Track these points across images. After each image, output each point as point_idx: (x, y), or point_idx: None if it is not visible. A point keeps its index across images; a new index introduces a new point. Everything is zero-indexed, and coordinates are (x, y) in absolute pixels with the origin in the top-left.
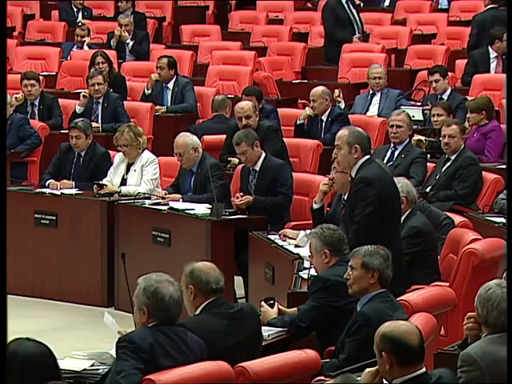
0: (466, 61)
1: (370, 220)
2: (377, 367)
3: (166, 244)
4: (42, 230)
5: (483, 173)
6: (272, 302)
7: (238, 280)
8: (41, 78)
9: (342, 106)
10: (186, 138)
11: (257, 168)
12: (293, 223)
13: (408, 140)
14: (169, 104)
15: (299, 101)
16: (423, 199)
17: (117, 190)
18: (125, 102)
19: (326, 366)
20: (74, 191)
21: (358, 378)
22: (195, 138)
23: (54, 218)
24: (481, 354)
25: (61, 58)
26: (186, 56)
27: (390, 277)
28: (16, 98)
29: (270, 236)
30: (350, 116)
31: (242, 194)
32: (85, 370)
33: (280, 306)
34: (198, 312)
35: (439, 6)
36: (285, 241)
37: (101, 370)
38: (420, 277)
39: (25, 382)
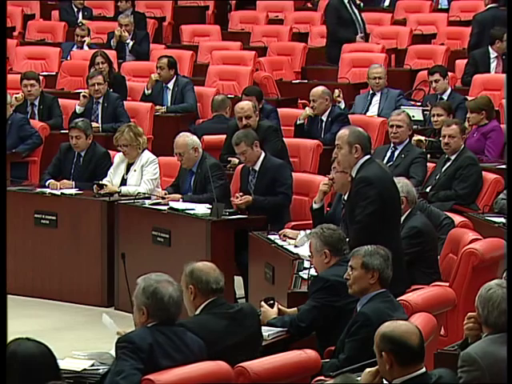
0: (466, 61)
1: (371, 220)
2: (377, 367)
3: (166, 244)
4: (41, 230)
5: (483, 173)
6: (272, 302)
7: (238, 280)
8: (41, 77)
9: (342, 105)
10: (185, 138)
11: (256, 168)
12: (293, 223)
13: (408, 140)
14: (169, 104)
15: (299, 101)
16: (423, 199)
17: (117, 190)
18: (125, 102)
19: (326, 366)
20: (74, 191)
21: (358, 378)
22: (195, 138)
23: (53, 218)
24: (481, 354)
25: (61, 58)
26: (186, 56)
27: (389, 277)
28: (16, 98)
29: (270, 236)
30: (350, 116)
31: (241, 193)
32: (85, 369)
33: (280, 306)
34: (197, 312)
35: (439, 6)
36: (285, 241)
37: (101, 370)
38: (420, 277)
39: (25, 381)
